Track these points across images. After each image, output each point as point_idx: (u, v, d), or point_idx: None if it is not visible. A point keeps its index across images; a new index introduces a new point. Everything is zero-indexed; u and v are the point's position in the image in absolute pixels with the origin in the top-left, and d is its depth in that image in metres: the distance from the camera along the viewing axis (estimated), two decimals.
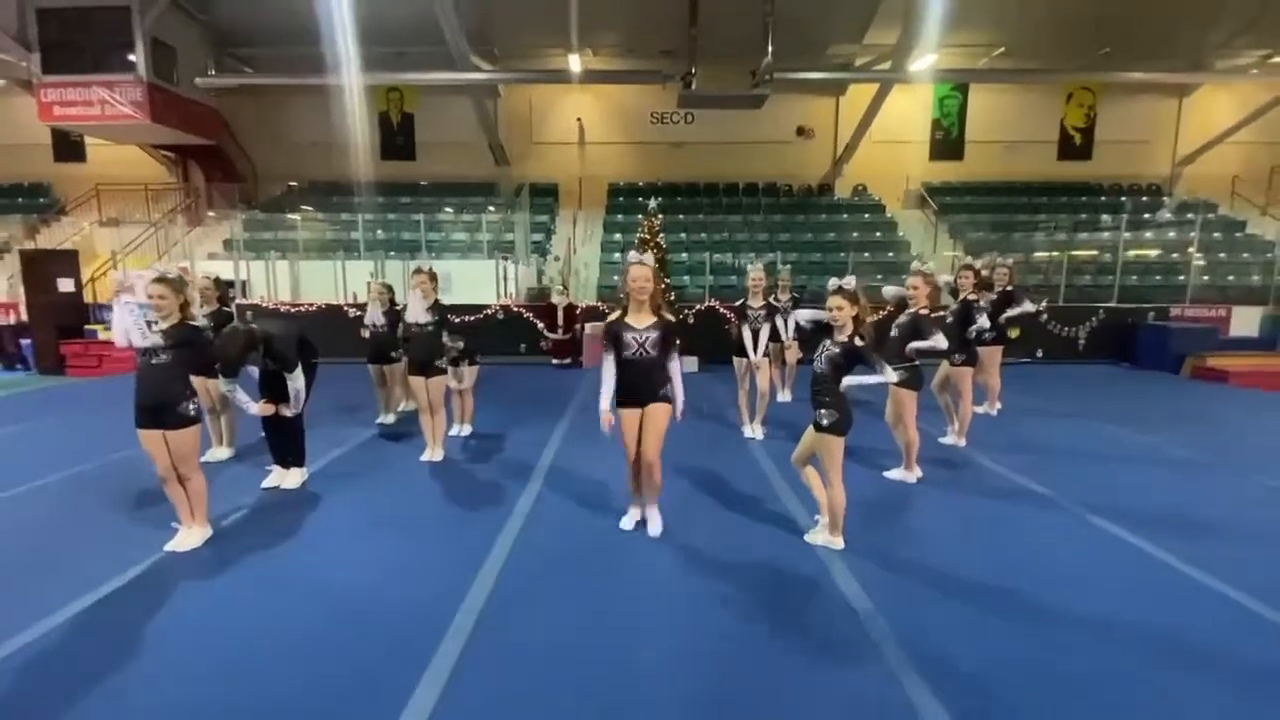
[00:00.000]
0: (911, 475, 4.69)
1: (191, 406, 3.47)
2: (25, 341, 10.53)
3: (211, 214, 15.34)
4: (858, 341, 3.28)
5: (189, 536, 3.57)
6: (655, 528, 3.73)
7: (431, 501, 4.33)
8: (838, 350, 3.32)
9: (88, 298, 11.40)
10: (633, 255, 3.54)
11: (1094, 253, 13.55)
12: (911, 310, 4.59)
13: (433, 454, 5.20)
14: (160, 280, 3.42)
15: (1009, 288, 6.82)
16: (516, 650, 2.58)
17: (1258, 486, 4.60)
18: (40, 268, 10.50)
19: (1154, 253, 13.73)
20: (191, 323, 3.51)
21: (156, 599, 3.00)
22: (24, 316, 10.83)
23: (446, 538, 3.72)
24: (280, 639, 2.67)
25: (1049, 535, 3.75)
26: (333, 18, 11.32)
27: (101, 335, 10.66)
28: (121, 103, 12.38)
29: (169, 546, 3.51)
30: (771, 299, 6.39)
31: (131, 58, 12.42)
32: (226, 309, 5.47)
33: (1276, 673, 2.46)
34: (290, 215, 14.19)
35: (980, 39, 14.40)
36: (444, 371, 5.22)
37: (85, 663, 2.51)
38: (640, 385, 3.52)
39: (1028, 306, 6.78)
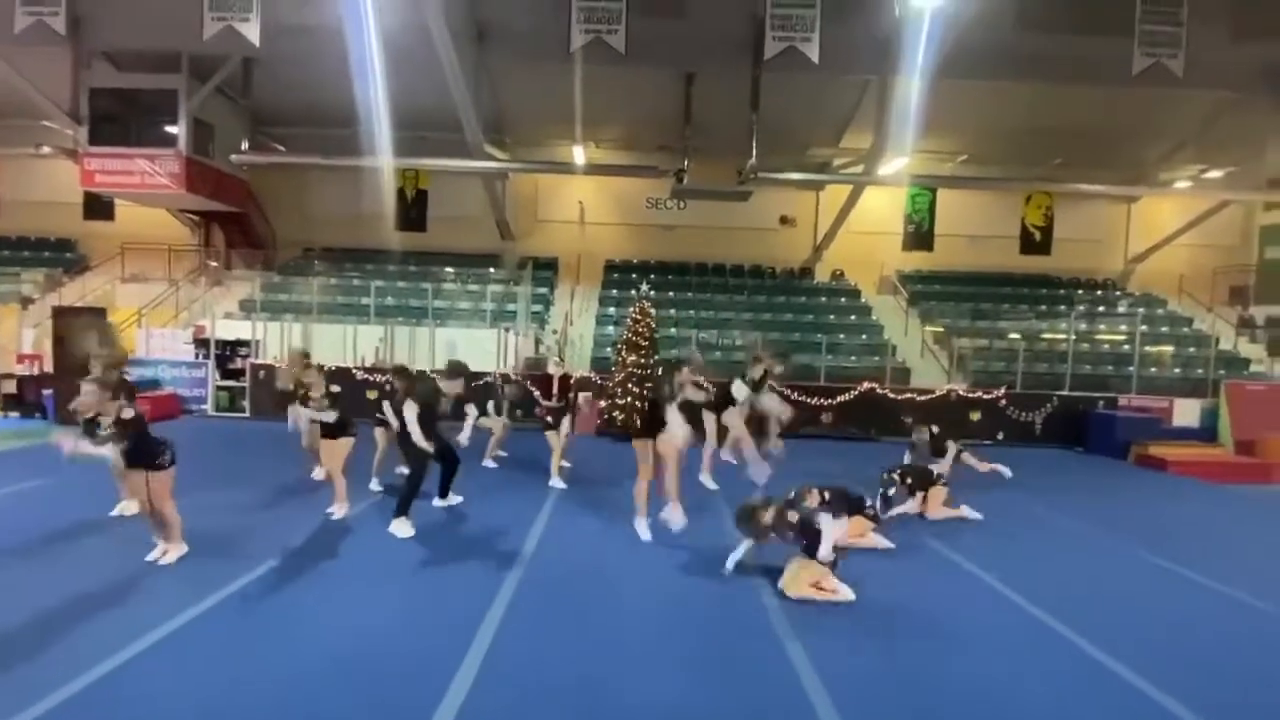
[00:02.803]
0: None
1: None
2: (47, 392, 11.13)
3: (215, 264, 16.24)
4: None
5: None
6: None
7: (439, 553, 4.96)
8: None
9: None
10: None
11: (1061, 335, 14.61)
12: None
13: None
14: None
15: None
16: (521, 675, 3.22)
17: (1142, 562, 5.39)
18: (69, 323, 11.25)
19: (1108, 342, 14.83)
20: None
21: (205, 639, 3.61)
22: (48, 368, 11.49)
23: (453, 585, 4.35)
24: (307, 673, 3.27)
25: (951, 593, 4.45)
26: (360, 104, 12.55)
27: None
28: (160, 174, 13.42)
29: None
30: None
31: (173, 131, 13.56)
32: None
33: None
34: (305, 279, 15.08)
35: (946, 146, 15.99)
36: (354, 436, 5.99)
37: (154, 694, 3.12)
38: None
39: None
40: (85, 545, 4.93)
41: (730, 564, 4.78)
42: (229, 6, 10.13)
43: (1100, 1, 11.30)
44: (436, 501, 6.20)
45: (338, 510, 5.82)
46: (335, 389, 5.87)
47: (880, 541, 5.52)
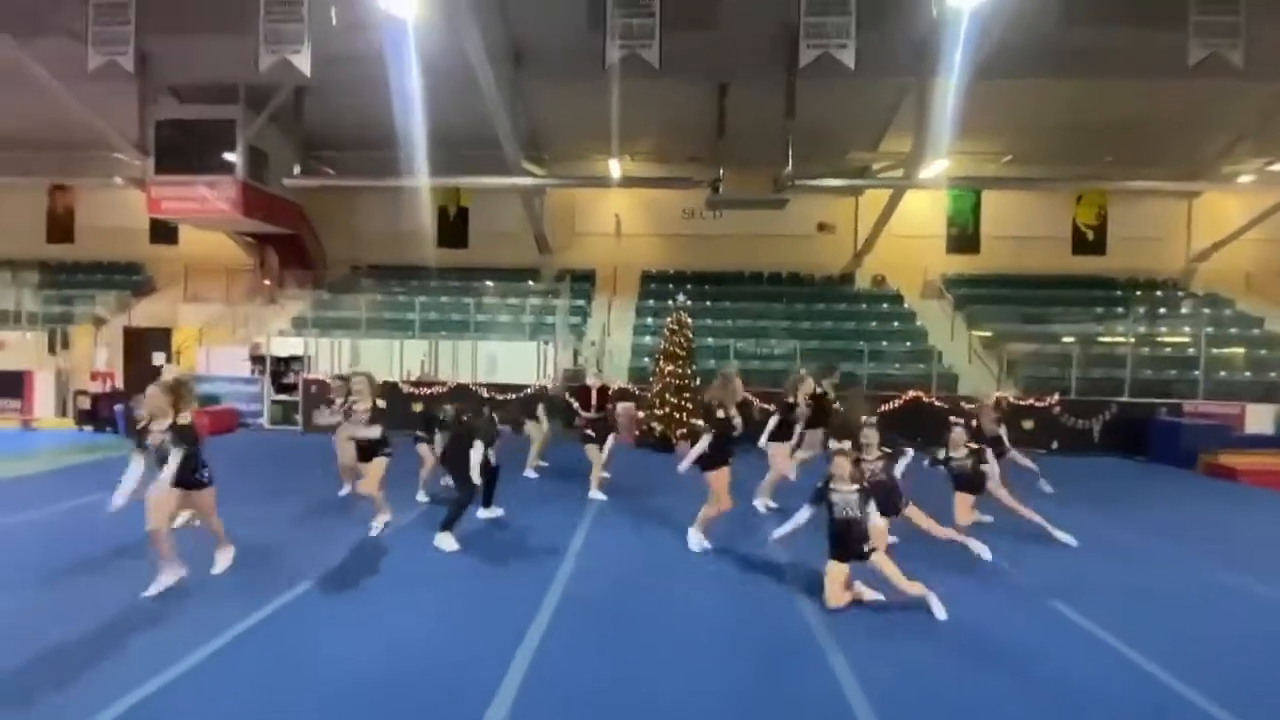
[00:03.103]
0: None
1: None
2: (118, 407, 11.79)
3: (269, 283, 16.97)
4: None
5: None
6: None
7: (481, 565, 5.05)
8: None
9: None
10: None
11: (1122, 339, 13.92)
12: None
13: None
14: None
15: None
16: (565, 685, 3.25)
17: (1210, 579, 5.14)
18: (139, 342, 11.91)
19: (1170, 345, 14.09)
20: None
21: (250, 655, 3.76)
22: (119, 385, 12.18)
23: (495, 598, 4.43)
24: (350, 687, 3.33)
25: (1003, 608, 4.28)
26: (403, 127, 13.00)
27: None
28: (219, 199, 14.14)
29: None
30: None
31: (231, 158, 14.28)
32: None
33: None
34: (354, 296, 15.62)
35: (989, 147, 15.56)
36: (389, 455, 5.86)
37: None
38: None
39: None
40: (145, 559, 5.12)
41: (777, 534, 4.67)
42: (283, 39, 10.65)
43: None
44: (480, 512, 6.31)
45: (378, 524, 5.88)
46: (381, 404, 5.85)
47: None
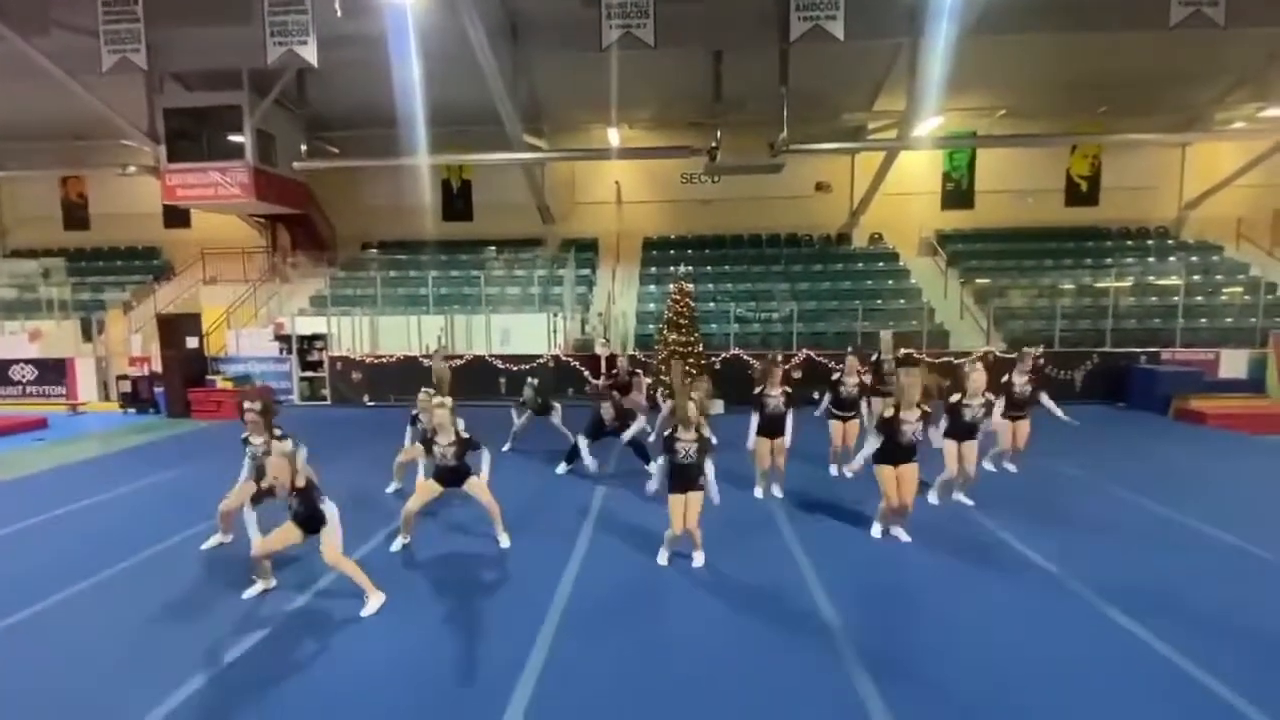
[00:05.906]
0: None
1: None
2: (159, 390, 12.58)
3: (288, 261, 17.53)
4: None
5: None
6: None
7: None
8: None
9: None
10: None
11: (1113, 285, 14.42)
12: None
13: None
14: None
15: None
16: (584, 666, 3.69)
17: (1180, 528, 5.87)
18: (172, 328, 12.60)
19: (1156, 293, 14.57)
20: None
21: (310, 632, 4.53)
22: (156, 368, 12.92)
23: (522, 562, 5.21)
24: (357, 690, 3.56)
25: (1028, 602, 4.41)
26: (405, 105, 13.31)
27: (219, 384, 12.67)
28: (231, 184, 14.57)
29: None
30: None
31: (240, 143, 14.65)
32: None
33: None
34: (367, 273, 16.18)
35: (983, 102, 15.71)
36: None
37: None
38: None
39: None
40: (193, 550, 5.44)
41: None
42: (289, 32, 10.93)
43: None
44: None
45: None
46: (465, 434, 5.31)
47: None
